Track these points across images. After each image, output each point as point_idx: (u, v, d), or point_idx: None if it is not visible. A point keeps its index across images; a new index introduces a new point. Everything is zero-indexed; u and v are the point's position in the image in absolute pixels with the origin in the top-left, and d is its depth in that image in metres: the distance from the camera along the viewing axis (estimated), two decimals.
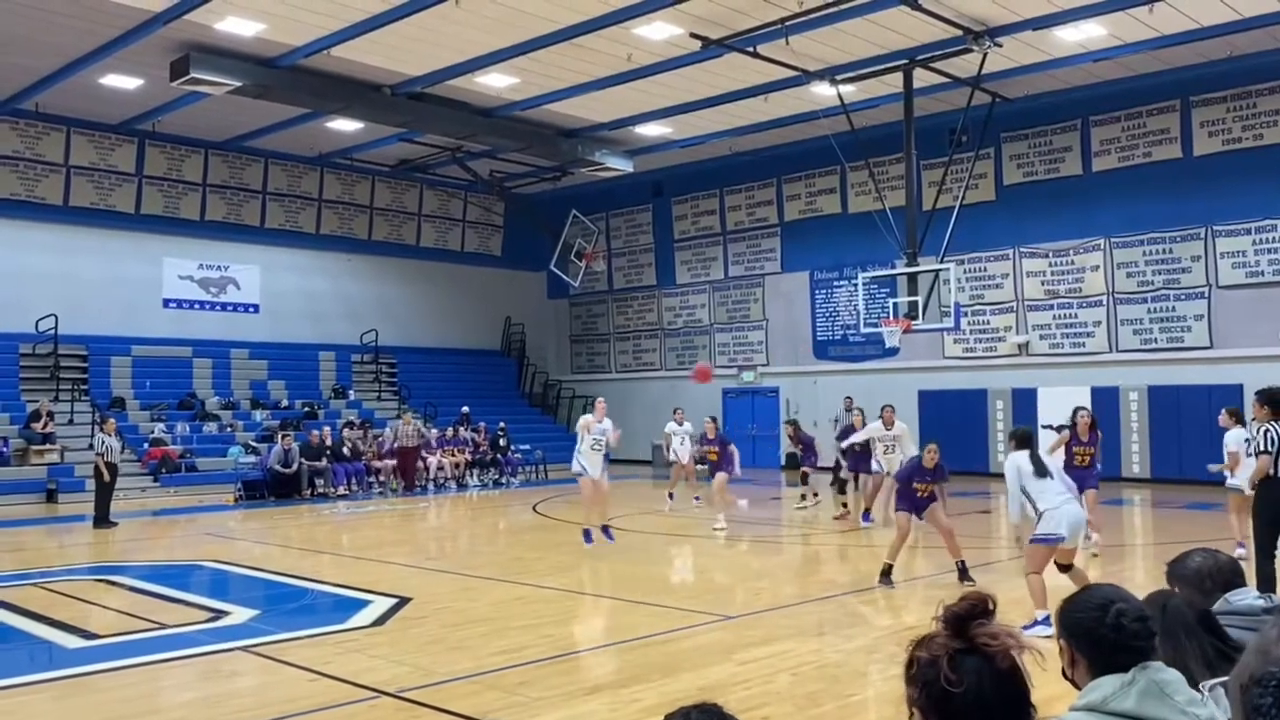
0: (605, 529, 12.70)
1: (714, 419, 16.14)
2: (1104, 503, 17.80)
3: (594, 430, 12.58)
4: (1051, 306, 21.78)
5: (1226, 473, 11.11)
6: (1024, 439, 8.70)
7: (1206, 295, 19.79)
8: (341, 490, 20.77)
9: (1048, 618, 7.59)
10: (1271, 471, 8.06)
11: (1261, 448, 8.17)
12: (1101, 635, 2.34)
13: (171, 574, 11.75)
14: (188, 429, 22.52)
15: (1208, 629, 2.69)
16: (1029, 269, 22.07)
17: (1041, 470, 8.21)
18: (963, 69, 18.57)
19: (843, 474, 15.95)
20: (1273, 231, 19.01)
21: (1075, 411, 12.35)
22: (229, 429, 23.00)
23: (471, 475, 22.97)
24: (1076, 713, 2.27)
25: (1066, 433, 12.28)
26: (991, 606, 1.90)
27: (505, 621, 8.56)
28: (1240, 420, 11.23)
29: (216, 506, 18.80)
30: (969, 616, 1.87)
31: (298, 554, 13.62)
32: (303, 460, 20.41)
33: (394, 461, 22.18)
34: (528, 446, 24.96)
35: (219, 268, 25.49)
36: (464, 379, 28.21)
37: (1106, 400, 20.77)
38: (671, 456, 17.45)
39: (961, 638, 1.86)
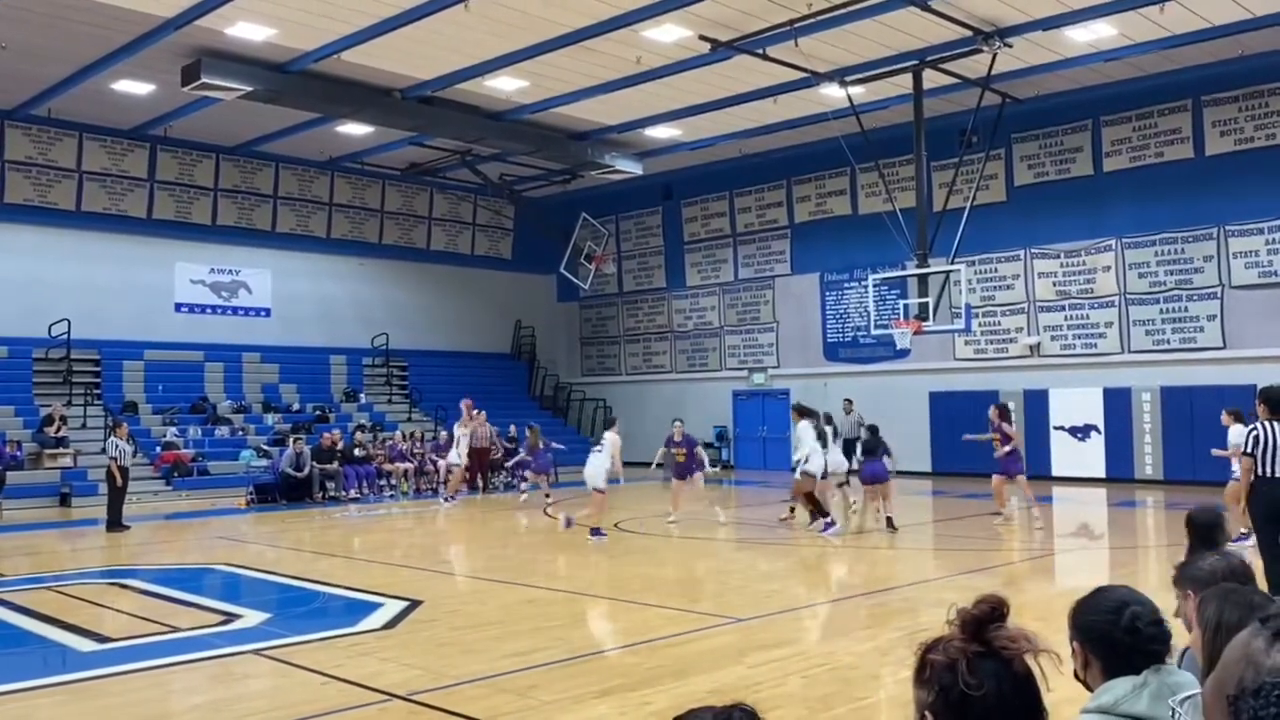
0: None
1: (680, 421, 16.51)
2: (1116, 504, 17.82)
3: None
4: (1063, 307, 21.70)
5: (1234, 464, 11.49)
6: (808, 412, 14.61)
7: (1219, 295, 19.70)
8: (353, 493, 20.81)
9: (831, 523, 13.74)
10: (1261, 471, 8.06)
11: (1246, 449, 8.19)
12: (1116, 639, 2.33)
13: (183, 577, 11.79)
14: (199, 433, 22.60)
15: None
16: (1040, 270, 22.00)
17: (822, 441, 14.00)
18: (973, 70, 18.53)
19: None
20: None
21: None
22: (241, 432, 23.07)
23: (480, 478, 22.93)
24: (1088, 715, 2.26)
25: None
26: (1007, 610, 1.89)
27: (516, 624, 8.56)
28: (1240, 419, 11.62)
29: (228, 510, 18.86)
30: (987, 620, 1.86)
31: (309, 557, 13.65)
32: (314, 463, 20.46)
33: (411, 464, 22.23)
34: (555, 444, 24.91)
35: (230, 272, 25.58)
36: (474, 382, 28.19)
37: (1119, 401, 20.70)
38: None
39: (979, 641, 1.84)
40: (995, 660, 1.82)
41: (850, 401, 22.14)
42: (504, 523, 17.68)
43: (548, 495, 18.62)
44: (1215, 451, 13.18)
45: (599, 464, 13.74)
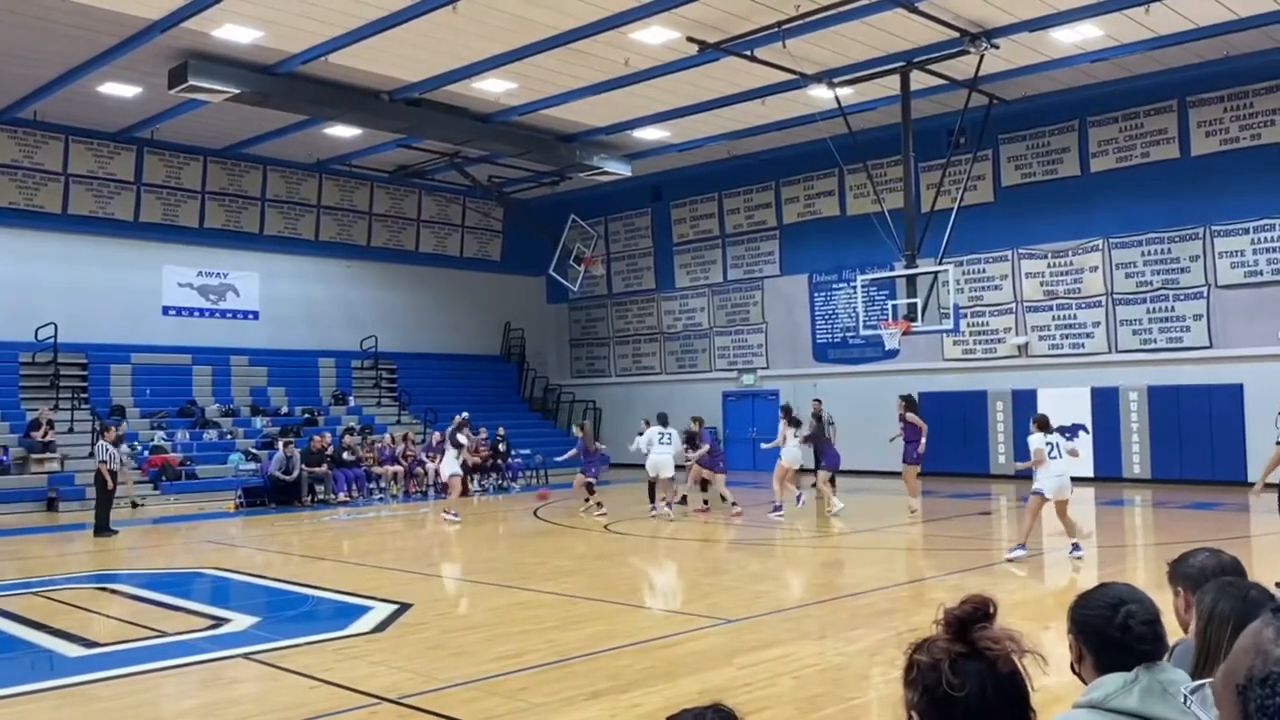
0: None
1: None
2: (1105, 503, 17.88)
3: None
4: (1050, 307, 21.78)
5: (1035, 472, 11.62)
6: (662, 419, 17.35)
7: (1205, 295, 19.78)
8: (342, 496, 20.75)
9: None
10: None
11: None
12: (1109, 635, 2.34)
13: (172, 582, 11.74)
14: (188, 436, 22.50)
15: None
16: (1028, 270, 22.07)
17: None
18: (960, 71, 18.58)
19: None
20: (1271, 231, 19.01)
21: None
22: (229, 436, 22.98)
23: (472, 480, 22.91)
24: (1079, 710, 2.26)
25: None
26: (992, 610, 1.88)
27: (506, 627, 8.55)
28: (1044, 427, 11.66)
29: (217, 514, 18.78)
30: (971, 620, 1.86)
31: (298, 561, 13.61)
32: (303, 467, 20.38)
33: (400, 467, 22.21)
34: (528, 451, 24.93)
35: (218, 275, 25.49)
36: (464, 384, 28.21)
37: (1106, 401, 20.78)
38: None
39: (963, 641, 1.84)
40: (979, 661, 1.82)
41: (819, 402, 22.25)
42: (494, 525, 17.65)
43: (587, 500, 17.49)
44: (1019, 465, 13.32)
45: None
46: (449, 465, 17.93)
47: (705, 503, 17.72)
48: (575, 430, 18.90)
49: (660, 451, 16.81)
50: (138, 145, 23.69)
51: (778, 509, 16.14)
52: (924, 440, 15.61)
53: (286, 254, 26.53)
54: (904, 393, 16.98)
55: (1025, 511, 11.70)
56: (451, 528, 16.33)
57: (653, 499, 17.01)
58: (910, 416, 15.44)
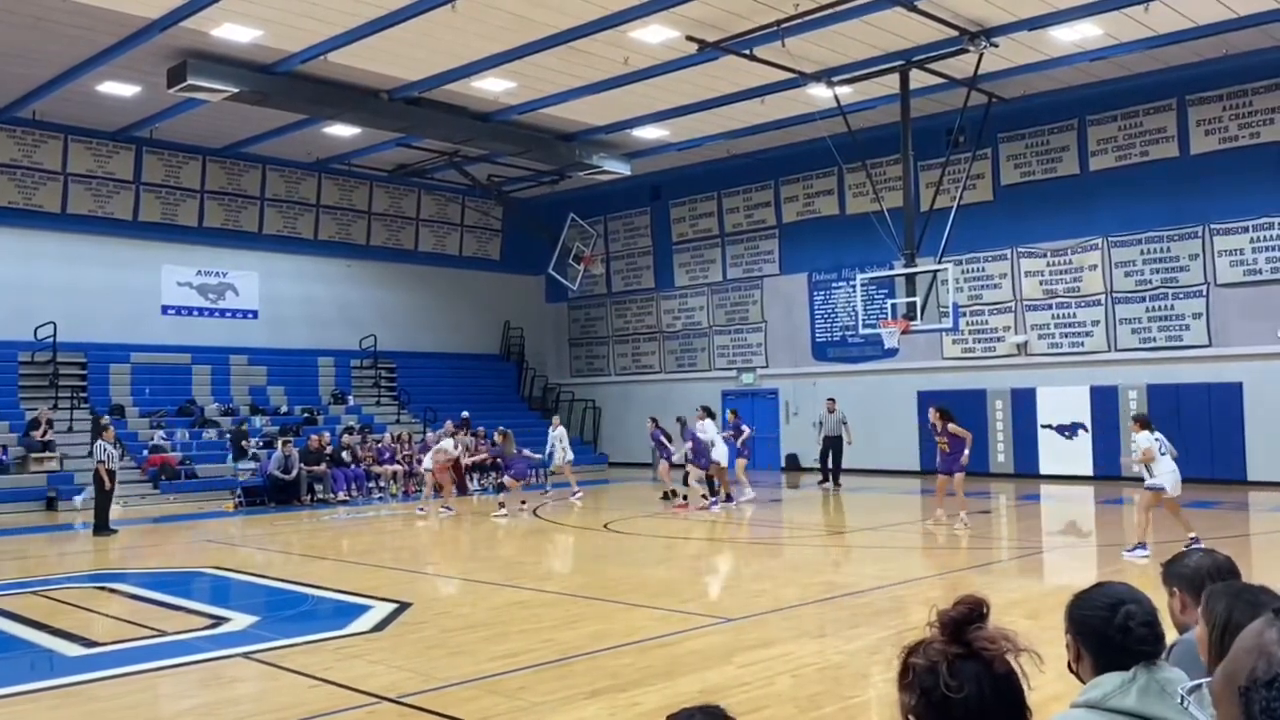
0: None
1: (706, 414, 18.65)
2: (1104, 501, 17.88)
3: None
4: (1050, 306, 21.78)
5: (1144, 473, 11.58)
6: (709, 412, 18.66)
7: (1204, 294, 19.78)
8: (342, 496, 20.75)
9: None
10: None
11: None
12: (1108, 636, 2.34)
13: (171, 581, 11.74)
14: (187, 436, 22.49)
15: None
16: (1027, 269, 22.07)
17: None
18: (959, 70, 18.58)
19: None
20: (1270, 229, 19.01)
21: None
22: (229, 435, 22.97)
23: (471, 480, 22.91)
24: (1077, 709, 2.26)
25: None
26: (986, 610, 1.88)
27: (505, 626, 8.56)
28: (1147, 425, 11.69)
29: (216, 513, 18.79)
30: (966, 621, 1.85)
31: (298, 560, 13.61)
32: (302, 466, 20.37)
33: (400, 466, 22.21)
34: (527, 450, 24.85)
35: (217, 274, 25.49)
36: (463, 383, 28.20)
37: (1105, 399, 20.78)
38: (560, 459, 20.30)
39: (959, 643, 1.84)
40: (976, 661, 1.82)
41: (833, 400, 22.28)
42: (493, 524, 17.65)
43: (523, 502, 18.29)
44: (1126, 459, 12.89)
45: None
46: (429, 460, 18.91)
47: (671, 494, 18.51)
48: (497, 436, 19.01)
49: (722, 443, 18.09)
50: (137, 144, 23.68)
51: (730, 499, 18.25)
52: (968, 451, 14.68)
53: (286, 253, 26.52)
54: (939, 404, 15.62)
55: (1138, 509, 11.57)
56: (445, 518, 17.30)
57: (728, 493, 18.18)
58: (954, 428, 14.97)
